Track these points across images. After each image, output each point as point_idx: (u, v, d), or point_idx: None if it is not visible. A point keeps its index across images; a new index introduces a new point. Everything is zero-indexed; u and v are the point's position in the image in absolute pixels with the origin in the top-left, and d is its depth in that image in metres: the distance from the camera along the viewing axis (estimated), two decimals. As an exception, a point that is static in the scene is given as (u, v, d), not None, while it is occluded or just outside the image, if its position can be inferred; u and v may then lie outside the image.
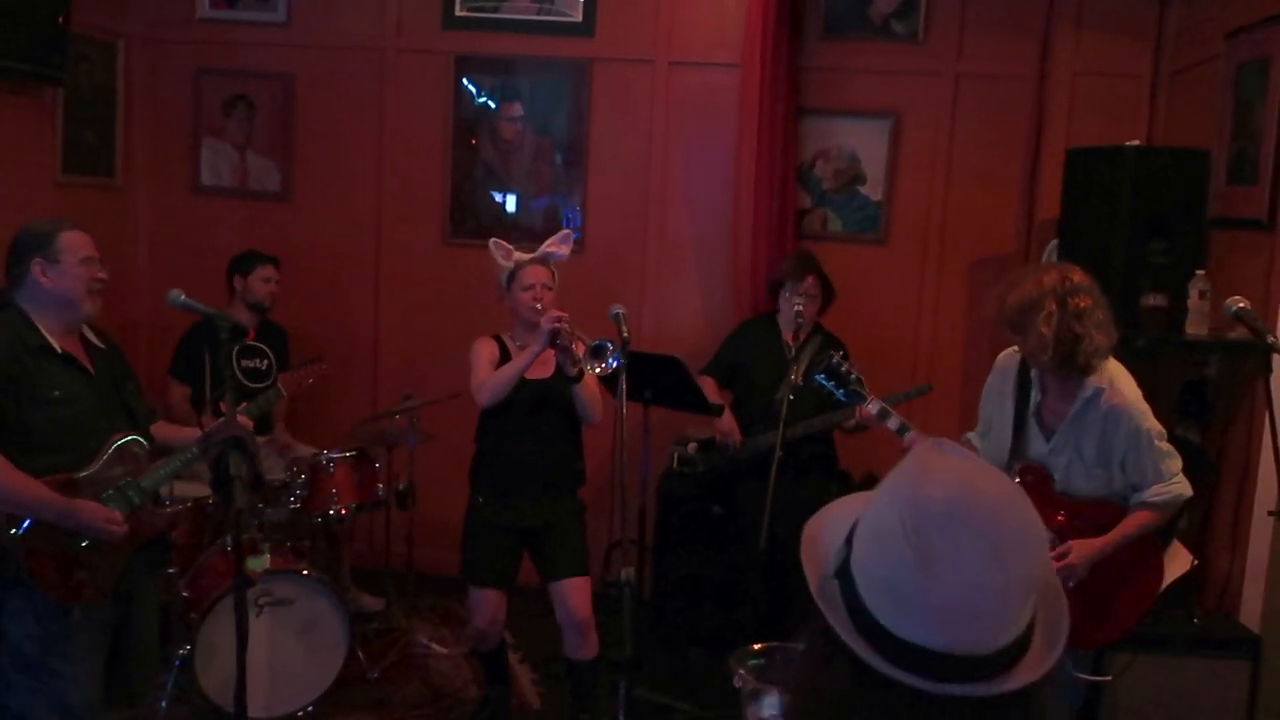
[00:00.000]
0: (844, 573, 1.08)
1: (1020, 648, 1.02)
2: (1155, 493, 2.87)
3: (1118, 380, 2.87)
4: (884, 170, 4.97)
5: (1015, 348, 2.98)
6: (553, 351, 3.49)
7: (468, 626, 3.75)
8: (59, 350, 2.75)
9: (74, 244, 2.78)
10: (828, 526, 1.17)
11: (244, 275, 4.66)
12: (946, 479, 1.03)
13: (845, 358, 3.27)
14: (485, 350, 3.62)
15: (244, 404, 3.36)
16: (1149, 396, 2.93)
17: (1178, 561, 3.62)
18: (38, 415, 2.68)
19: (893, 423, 3.07)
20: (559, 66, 5.10)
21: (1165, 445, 2.89)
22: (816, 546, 1.16)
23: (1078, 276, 2.80)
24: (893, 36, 4.91)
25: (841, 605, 1.07)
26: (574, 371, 3.44)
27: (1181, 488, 2.91)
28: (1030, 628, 1.04)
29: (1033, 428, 2.99)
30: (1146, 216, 3.86)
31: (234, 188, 5.32)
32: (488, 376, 3.51)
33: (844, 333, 4.45)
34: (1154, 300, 3.78)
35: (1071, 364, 2.78)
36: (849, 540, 1.09)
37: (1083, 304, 2.75)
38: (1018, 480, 2.90)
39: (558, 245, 3.67)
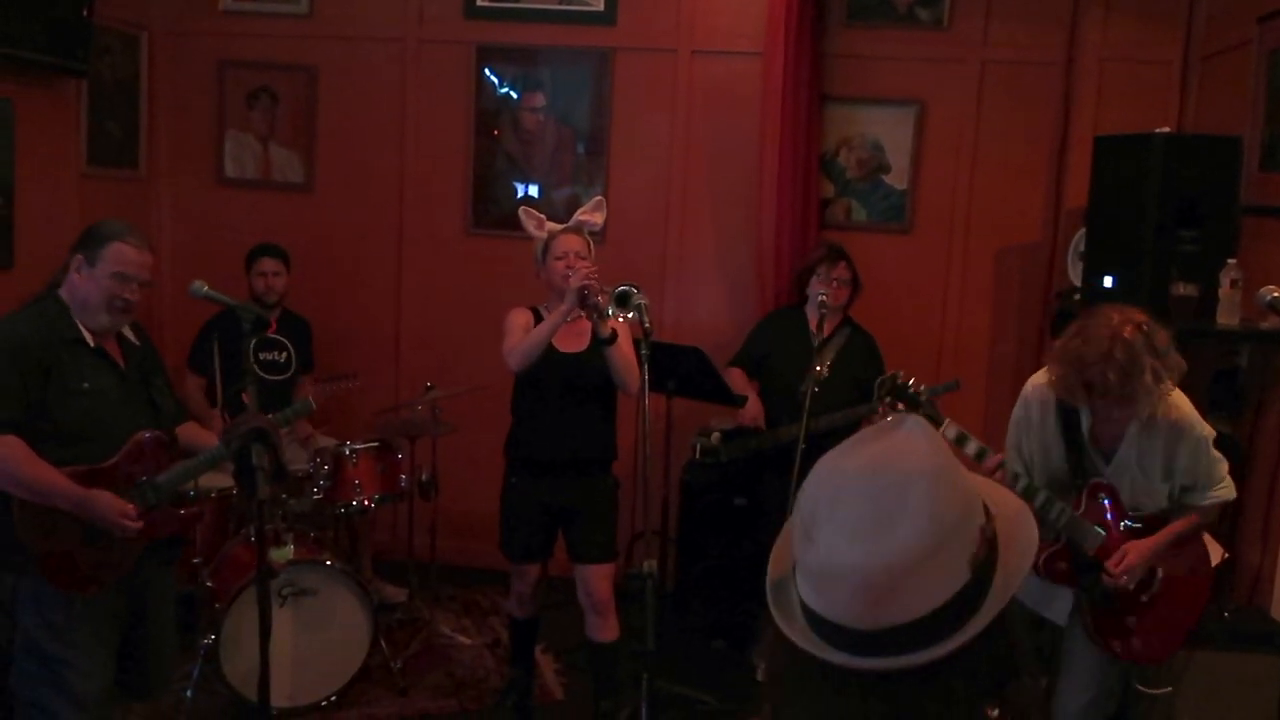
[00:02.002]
0: None
1: (922, 630, 1.01)
2: (1207, 496, 2.95)
3: (1172, 395, 2.86)
4: (908, 159, 4.92)
5: (1043, 376, 2.95)
6: (588, 324, 3.47)
7: (510, 591, 3.80)
8: (92, 343, 2.76)
9: (117, 256, 2.75)
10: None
11: (247, 270, 4.66)
12: (859, 455, 1.07)
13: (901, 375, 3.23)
14: (520, 318, 3.61)
15: (273, 414, 3.37)
16: (1179, 387, 2.90)
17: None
18: (66, 406, 2.69)
19: (971, 448, 3.00)
20: (581, 56, 5.08)
21: (1216, 452, 2.95)
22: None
23: (1143, 318, 2.79)
24: (917, 23, 4.85)
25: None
26: (606, 332, 3.42)
27: (1228, 491, 2.98)
28: (942, 614, 1.02)
29: (1089, 451, 2.98)
30: (1176, 204, 3.80)
31: (257, 179, 5.34)
32: (519, 341, 3.50)
33: (869, 324, 4.41)
34: (1184, 289, 3.72)
35: (1145, 401, 2.77)
36: None
37: (1161, 343, 2.75)
38: (1098, 500, 2.96)
39: (590, 214, 3.64)
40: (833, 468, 1.08)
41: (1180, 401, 2.90)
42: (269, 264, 4.67)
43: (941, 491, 1.03)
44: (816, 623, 1.06)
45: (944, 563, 1.02)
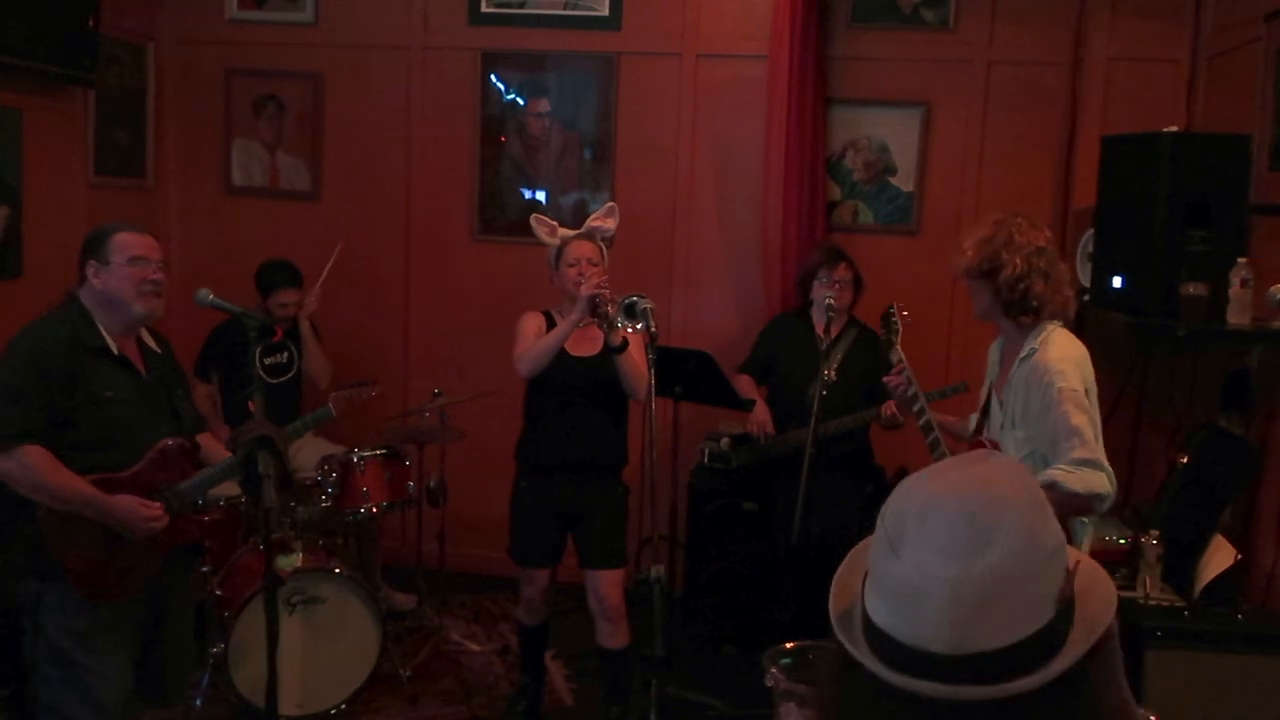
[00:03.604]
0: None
1: (1010, 660, 0.97)
2: (1061, 468, 2.58)
3: (1052, 337, 2.76)
4: (915, 161, 4.90)
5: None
6: (599, 331, 3.47)
7: (520, 597, 3.80)
8: (115, 351, 2.78)
9: (124, 244, 2.79)
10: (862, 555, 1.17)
11: (264, 297, 4.57)
12: (948, 475, 1.04)
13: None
14: (531, 322, 3.62)
15: (294, 422, 3.39)
16: (1190, 387, 2.86)
17: (1221, 556, 3.55)
18: (89, 414, 2.71)
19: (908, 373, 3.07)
20: (586, 61, 5.08)
21: (1079, 417, 2.62)
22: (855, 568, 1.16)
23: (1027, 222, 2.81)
24: (922, 24, 4.84)
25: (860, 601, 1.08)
26: (616, 341, 3.42)
27: (1090, 481, 2.57)
28: (1027, 647, 0.98)
29: (993, 403, 2.93)
30: (1186, 204, 3.78)
31: (264, 187, 5.35)
32: (529, 347, 3.50)
33: (877, 325, 4.39)
34: (1194, 289, 3.70)
35: (1023, 307, 2.73)
36: None
37: (1040, 241, 2.75)
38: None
39: (603, 219, 3.65)
40: (921, 486, 1.04)
41: (1054, 344, 2.72)
42: (290, 295, 4.57)
43: (1037, 520, 1.00)
44: (889, 648, 1.01)
45: (1032, 594, 0.98)
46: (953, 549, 0.97)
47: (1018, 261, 2.71)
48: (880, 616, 1.01)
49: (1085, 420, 2.63)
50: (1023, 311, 2.76)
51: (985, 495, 1.00)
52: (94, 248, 2.79)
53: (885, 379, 3.18)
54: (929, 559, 0.97)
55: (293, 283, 4.60)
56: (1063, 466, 2.59)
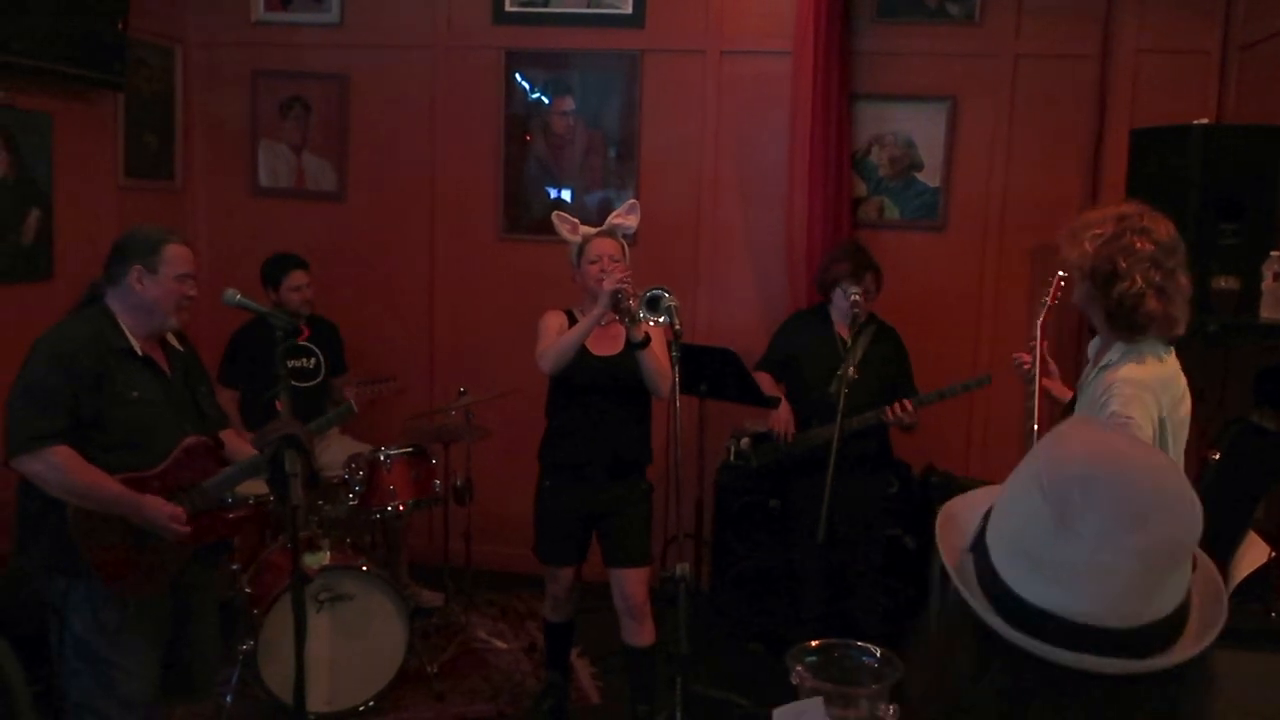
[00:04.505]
0: (979, 544, 1.04)
1: (1170, 627, 0.96)
2: None
3: (1136, 359, 2.47)
4: (941, 156, 4.87)
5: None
6: (621, 330, 3.47)
7: (545, 595, 3.80)
8: (140, 353, 2.81)
9: (176, 258, 2.84)
10: (969, 506, 1.13)
11: (274, 287, 4.57)
12: (1088, 439, 1.01)
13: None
14: (554, 320, 3.63)
15: (318, 419, 3.41)
16: (1222, 383, 2.81)
17: (1254, 553, 3.50)
18: (116, 415, 2.74)
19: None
20: (610, 59, 5.08)
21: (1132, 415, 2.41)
22: (955, 524, 1.12)
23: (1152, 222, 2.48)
24: (948, 18, 4.81)
25: (974, 578, 1.03)
26: (639, 336, 3.42)
27: None
28: (1184, 608, 0.97)
29: (1077, 400, 2.76)
30: (1217, 197, 3.74)
31: (291, 189, 5.39)
32: (551, 344, 3.51)
33: (904, 322, 4.36)
34: (1226, 283, 3.66)
35: (1129, 323, 2.43)
36: (987, 514, 1.06)
37: (1160, 241, 2.44)
38: None
39: (624, 217, 3.65)
40: (1061, 456, 0.99)
41: (1135, 367, 2.42)
42: (300, 277, 4.60)
43: (1181, 483, 0.98)
44: (1053, 627, 0.96)
45: (1187, 566, 0.96)
46: (1134, 518, 0.93)
47: (1137, 278, 2.40)
48: (1045, 598, 0.96)
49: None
50: (1129, 328, 2.46)
51: (1142, 461, 0.98)
52: (143, 253, 2.81)
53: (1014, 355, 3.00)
54: (1113, 531, 0.93)
55: (300, 264, 4.63)
56: None
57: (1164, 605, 0.95)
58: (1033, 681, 0.97)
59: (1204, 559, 1.05)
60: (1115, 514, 0.93)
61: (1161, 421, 2.44)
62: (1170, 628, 0.96)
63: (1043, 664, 0.96)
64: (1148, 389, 2.43)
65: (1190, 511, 0.96)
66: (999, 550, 1.01)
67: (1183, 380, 2.54)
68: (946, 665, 1.06)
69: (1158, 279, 2.42)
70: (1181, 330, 2.50)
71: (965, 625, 1.02)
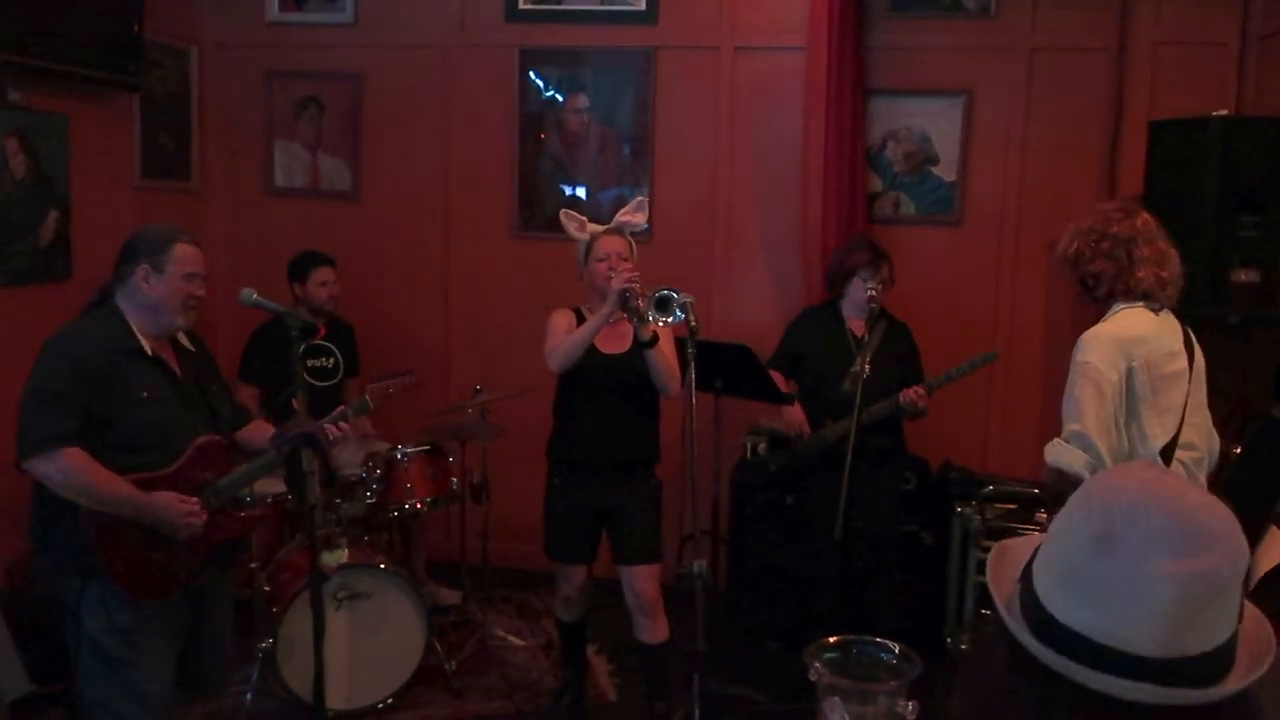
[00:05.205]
0: (1026, 571, 1.06)
1: (1208, 665, 0.94)
2: (1055, 439, 2.62)
3: (1113, 315, 2.73)
4: (957, 150, 4.84)
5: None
6: (629, 328, 3.47)
7: (557, 594, 3.80)
8: (149, 352, 2.80)
9: (183, 257, 2.82)
10: (1027, 544, 1.14)
11: (301, 282, 4.63)
12: (1144, 476, 1.01)
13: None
14: (562, 319, 3.63)
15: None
16: (1243, 376, 2.81)
17: (1276, 548, 3.47)
18: (126, 415, 2.73)
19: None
20: (623, 56, 5.08)
21: (1082, 390, 2.62)
22: (1008, 557, 1.15)
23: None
24: (963, 12, 4.78)
25: (1018, 603, 1.04)
26: (647, 335, 3.41)
27: (1060, 456, 2.58)
28: (1226, 651, 0.96)
29: None
30: (1236, 189, 3.72)
31: (306, 188, 5.41)
32: (559, 342, 3.50)
33: (919, 318, 4.35)
34: (1245, 275, 3.64)
35: (1086, 286, 2.76)
36: (1038, 546, 1.07)
37: (1117, 229, 2.74)
38: None
39: (632, 214, 3.64)
40: (1113, 485, 1.01)
41: (1112, 318, 2.73)
42: (328, 273, 4.65)
43: (1226, 518, 0.98)
44: (1083, 649, 0.96)
45: (1233, 602, 0.95)
46: (1176, 547, 0.93)
47: (1077, 244, 2.76)
48: (1078, 617, 0.97)
49: (1088, 395, 2.60)
50: (1086, 290, 2.78)
51: (1194, 497, 0.98)
52: (151, 251, 2.80)
53: None
54: (1152, 554, 0.93)
55: (327, 260, 4.68)
56: (1057, 438, 2.62)
57: (1202, 641, 0.94)
58: (1063, 703, 0.98)
59: (1253, 610, 1.05)
60: (1156, 538, 0.94)
61: (1131, 370, 2.62)
62: (1207, 665, 0.95)
63: (1073, 686, 0.97)
64: (1112, 340, 2.64)
65: (1235, 549, 0.95)
66: (1042, 571, 1.02)
67: (1171, 340, 2.72)
68: (984, 683, 1.09)
69: (1105, 247, 2.71)
70: (1156, 292, 2.70)
71: (1000, 643, 1.03)
